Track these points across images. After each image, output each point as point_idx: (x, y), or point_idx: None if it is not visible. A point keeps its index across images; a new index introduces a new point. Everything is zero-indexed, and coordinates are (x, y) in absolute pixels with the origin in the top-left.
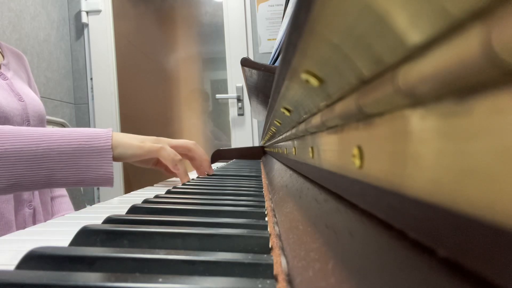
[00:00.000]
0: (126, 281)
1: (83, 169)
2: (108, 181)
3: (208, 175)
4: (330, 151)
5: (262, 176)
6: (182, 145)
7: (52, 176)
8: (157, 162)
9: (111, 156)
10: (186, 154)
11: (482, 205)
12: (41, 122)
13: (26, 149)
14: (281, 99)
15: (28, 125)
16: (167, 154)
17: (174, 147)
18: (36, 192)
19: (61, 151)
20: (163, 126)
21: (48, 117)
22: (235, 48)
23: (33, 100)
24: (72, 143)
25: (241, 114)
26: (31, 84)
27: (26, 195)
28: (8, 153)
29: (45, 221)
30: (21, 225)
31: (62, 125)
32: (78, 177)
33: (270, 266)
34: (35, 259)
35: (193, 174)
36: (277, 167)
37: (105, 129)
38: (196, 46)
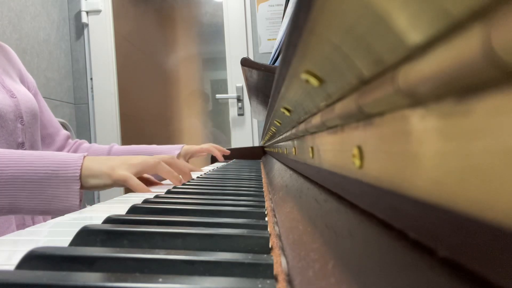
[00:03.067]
0: (126, 281)
1: (49, 199)
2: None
3: (198, 177)
4: (330, 151)
5: (262, 176)
6: (159, 159)
7: (15, 205)
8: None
9: (78, 186)
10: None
11: (482, 205)
12: (34, 117)
13: None
14: (281, 99)
15: (22, 121)
16: (136, 183)
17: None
18: None
19: (26, 179)
20: (163, 126)
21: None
22: (235, 48)
23: (25, 96)
24: (38, 171)
25: (241, 114)
26: (23, 77)
27: None
28: None
29: (44, 216)
30: (20, 222)
31: (62, 125)
32: (43, 207)
33: (270, 266)
34: (35, 259)
35: (194, 174)
36: (277, 167)
37: (78, 155)
38: (196, 46)
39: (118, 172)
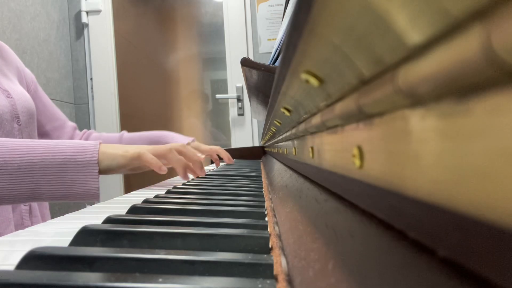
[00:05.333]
0: (126, 281)
1: (68, 184)
2: (93, 196)
3: (198, 177)
4: (330, 151)
5: (262, 176)
6: (170, 147)
7: (36, 190)
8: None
9: (97, 171)
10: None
11: (482, 205)
12: (31, 117)
13: (10, 162)
14: (281, 99)
15: (18, 122)
16: (150, 157)
17: (158, 155)
18: None
19: (45, 164)
20: (163, 126)
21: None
22: (235, 48)
23: (22, 95)
24: (57, 157)
25: (241, 114)
26: (20, 74)
27: None
28: None
29: (42, 216)
30: (19, 222)
31: None
32: (63, 192)
33: (270, 266)
34: (35, 259)
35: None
36: (277, 167)
37: (93, 142)
38: (196, 46)
39: (132, 151)
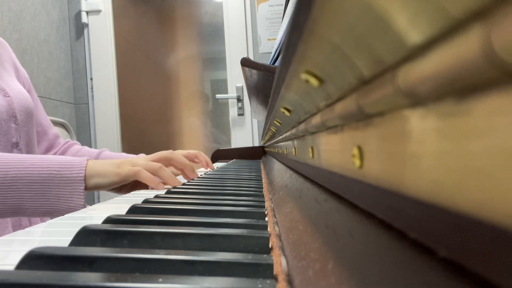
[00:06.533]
0: (126, 281)
1: (53, 200)
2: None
3: (198, 177)
4: (330, 151)
5: (262, 176)
6: (159, 158)
7: (20, 205)
8: (134, 184)
9: (83, 187)
10: (168, 164)
11: (482, 205)
12: (29, 116)
13: None
14: (281, 99)
15: (15, 121)
16: (146, 176)
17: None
18: None
19: (30, 179)
20: (163, 126)
21: (48, 117)
22: (235, 48)
23: (19, 94)
24: (42, 172)
25: (241, 114)
26: (18, 72)
27: None
28: None
29: (41, 218)
30: (17, 223)
31: (62, 125)
32: (47, 208)
33: (270, 266)
34: (35, 259)
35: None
36: (277, 167)
37: (80, 158)
38: (196, 46)
39: (127, 167)
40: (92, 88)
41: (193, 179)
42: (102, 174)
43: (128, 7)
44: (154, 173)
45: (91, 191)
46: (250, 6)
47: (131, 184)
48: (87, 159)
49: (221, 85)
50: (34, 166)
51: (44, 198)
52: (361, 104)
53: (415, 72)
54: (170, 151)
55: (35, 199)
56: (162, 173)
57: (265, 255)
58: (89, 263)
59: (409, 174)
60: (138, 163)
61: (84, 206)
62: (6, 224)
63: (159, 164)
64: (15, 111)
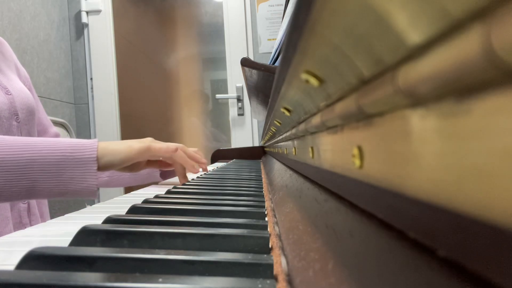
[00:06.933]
0: (126, 281)
1: (67, 181)
2: (91, 193)
3: (198, 177)
4: (330, 151)
5: (262, 176)
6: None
7: (34, 187)
8: (147, 162)
9: (95, 168)
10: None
11: (482, 205)
12: (31, 114)
13: (8, 158)
14: (281, 99)
15: (17, 119)
16: (158, 146)
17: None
18: None
19: (44, 161)
20: (163, 126)
21: (48, 117)
22: (235, 48)
23: (20, 92)
24: (55, 154)
25: (241, 114)
26: (18, 71)
27: None
28: None
29: (40, 214)
30: (17, 220)
31: (62, 125)
32: (61, 189)
33: (270, 266)
34: (35, 259)
35: (194, 174)
36: (277, 167)
37: (91, 140)
38: (196, 46)
39: (137, 145)
40: (92, 88)
41: (193, 179)
42: (113, 152)
43: (128, 7)
44: (166, 155)
45: (104, 170)
46: (250, 6)
47: (144, 163)
48: (97, 141)
49: (221, 85)
50: (47, 148)
51: (57, 180)
52: (361, 104)
53: (415, 72)
54: (183, 145)
55: (49, 180)
56: (176, 152)
57: (265, 255)
58: (89, 263)
59: (409, 174)
60: (150, 141)
61: (97, 188)
62: (7, 221)
63: (173, 146)
64: (17, 109)
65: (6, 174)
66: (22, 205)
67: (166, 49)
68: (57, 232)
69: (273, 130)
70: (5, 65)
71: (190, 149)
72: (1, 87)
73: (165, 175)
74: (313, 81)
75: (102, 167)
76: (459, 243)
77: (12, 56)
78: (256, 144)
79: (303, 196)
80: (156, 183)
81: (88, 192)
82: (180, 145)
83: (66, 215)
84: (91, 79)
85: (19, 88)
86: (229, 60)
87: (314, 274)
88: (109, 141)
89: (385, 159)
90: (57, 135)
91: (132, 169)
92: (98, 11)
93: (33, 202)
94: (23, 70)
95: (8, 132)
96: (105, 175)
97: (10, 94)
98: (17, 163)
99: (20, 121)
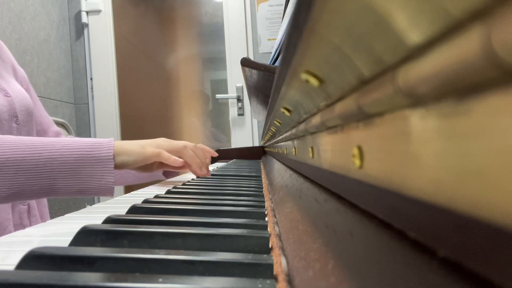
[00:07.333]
0: (126, 281)
1: (85, 179)
2: (108, 191)
3: (198, 177)
4: (330, 151)
5: (262, 176)
6: (178, 149)
7: (53, 186)
8: (159, 164)
9: (113, 165)
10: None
11: (482, 205)
12: (29, 115)
13: (28, 158)
14: (281, 99)
15: (17, 121)
16: (167, 156)
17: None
18: None
19: (63, 160)
20: (163, 126)
21: (50, 117)
22: (235, 48)
23: (19, 94)
24: (74, 153)
25: (241, 114)
26: (15, 72)
27: None
28: (10, 162)
29: (40, 215)
30: (17, 222)
31: (62, 125)
32: (79, 187)
33: (270, 266)
34: (35, 259)
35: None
36: (277, 167)
37: (107, 139)
38: (196, 46)
39: (150, 149)
40: (92, 88)
41: (193, 179)
42: (128, 152)
43: (128, 7)
44: (176, 152)
45: (119, 169)
46: (250, 6)
47: (156, 164)
48: (113, 139)
49: (221, 85)
50: (66, 147)
51: (76, 178)
52: (361, 104)
53: (415, 72)
54: (195, 145)
55: (68, 179)
56: (185, 152)
57: (265, 255)
58: (89, 263)
59: (409, 174)
60: (162, 144)
61: (113, 184)
62: (7, 222)
63: (182, 144)
64: (16, 111)
65: (27, 173)
66: (22, 207)
67: (166, 49)
68: (57, 232)
69: (273, 130)
70: (2, 68)
71: (199, 145)
72: (0, 89)
73: (167, 174)
74: (313, 81)
75: (117, 165)
76: (459, 243)
77: (10, 57)
78: (256, 144)
79: (303, 196)
80: (158, 181)
81: (105, 190)
82: (191, 144)
83: (66, 215)
84: (91, 79)
85: (17, 90)
86: (229, 60)
87: (314, 274)
88: (124, 141)
89: (385, 159)
90: (58, 134)
91: (146, 170)
92: (98, 11)
93: (33, 203)
94: (20, 71)
95: (8, 134)
96: None
97: (9, 96)
98: (37, 162)
99: (20, 122)
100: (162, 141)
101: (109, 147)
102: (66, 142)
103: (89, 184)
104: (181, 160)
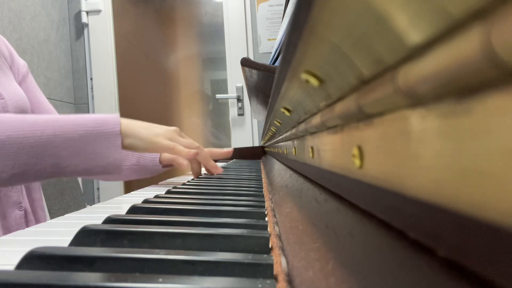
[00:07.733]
0: (126, 281)
1: (91, 156)
2: (117, 169)
3: (198, 177)
4: (330, 151)
5: (262, 176)
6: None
7: (58, 164)
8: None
9: (120, 142)
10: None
11: (482, 205)
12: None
13: (30, 135)
14: (281, 99)
15: None
16: (181, 149)
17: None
18: (25, 192)
19: (66, 137)
20: None
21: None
22: (235, 48)
23: (14, 95)
24: (78, 129)
25: (241, 114)
26: (13, 65)
27: (14, 197)
28: (11, 140)
29: (37, 221)
30: (14, 228)
31: None
32: (86, 165)
33: (270, 266)
34: (35, 259)
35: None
36: (277, 167)
37: (113, 114)
38: (196, 46)
39: (164, 142)
40: (92, 88)
41: (193, 179)
42: (138, 136)
43: (128, 7)
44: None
45: (127, 150)
46: (250, 6)
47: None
48: (119, 115)
49: (221, 85)
50: (69, 124)
51: (81, 156)
52: (361, 104)
53: (415, 72)
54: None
55: (72, 156)
56: (200, 152)
57: (265, 255)
58: (89, 263)
59: (409, 174)
60: (177, 139)
61: (122, 161)
62: (4, 231)
63: (196, 144)
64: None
65: (29, 153)
66: (18, 212)
67: (166, 49)
68: (57, 232)
69: (273, 130)
70: (1, 62)
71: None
72: None
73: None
74: (313, 81)
75: (124, 146)
76: (459, 243)
77: (7, 46)
78: (256, 144)
79: (303, 196)
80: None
81: (113, 167)
82: (202, 148)
83: (66, 215)
84: (91, 79)
85: (12, 90)
86: (229, 60)
87: (314, 274)
88: (133, 121)
89: (385, 159)
90: None
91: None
92: (98, 11)
93: (29, 209)
94: (18, 62)
95: None
96: None
97: (2, 99)
98: (39, 139)
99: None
100: (176, 134)
101: (114, 123)
102: (70, 119)
103: (95, 161)
104: (194, 151)
